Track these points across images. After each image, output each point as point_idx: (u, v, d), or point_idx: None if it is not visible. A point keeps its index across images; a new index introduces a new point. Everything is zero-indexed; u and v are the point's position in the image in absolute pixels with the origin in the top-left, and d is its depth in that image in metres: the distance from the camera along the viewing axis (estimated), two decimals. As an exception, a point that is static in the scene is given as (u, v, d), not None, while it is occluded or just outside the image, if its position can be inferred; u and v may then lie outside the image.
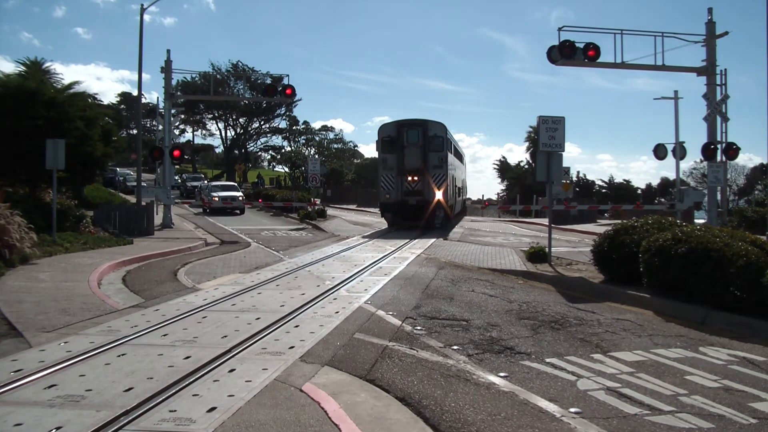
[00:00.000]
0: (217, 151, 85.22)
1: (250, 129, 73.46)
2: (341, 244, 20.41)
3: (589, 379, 6.12)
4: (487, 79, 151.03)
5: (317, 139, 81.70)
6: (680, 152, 24.60)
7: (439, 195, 25.97)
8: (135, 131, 55.55)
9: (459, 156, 36.32)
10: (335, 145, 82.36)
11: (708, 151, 18.70)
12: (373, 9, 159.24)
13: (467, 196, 46.92)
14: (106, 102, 71.29)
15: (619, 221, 14.11)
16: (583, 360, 6.81)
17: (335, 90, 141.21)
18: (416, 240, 21.46)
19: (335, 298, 10.38)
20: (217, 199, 34.87)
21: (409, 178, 26.27)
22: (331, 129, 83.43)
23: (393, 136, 26.67)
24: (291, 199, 35.35)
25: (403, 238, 21.99)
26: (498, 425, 4.91)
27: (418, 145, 26.32)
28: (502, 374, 6.25)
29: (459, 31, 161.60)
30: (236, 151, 73.38)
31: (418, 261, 15.77)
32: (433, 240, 21.36)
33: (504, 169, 69.11)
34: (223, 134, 72.71)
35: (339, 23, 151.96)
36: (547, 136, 14.41)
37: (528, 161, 63.87)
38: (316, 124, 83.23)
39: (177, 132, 68.78)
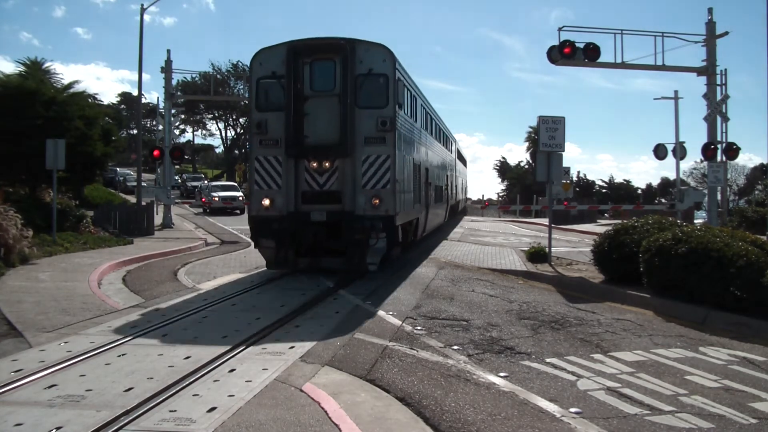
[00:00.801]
0: (217, 151, 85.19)
1: (250, 129, 73.49)
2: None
3: (589, 379, 6.12)
4: (487, 79, 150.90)
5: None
6: (680, 152, 24.65)
7: (377, 201, 12.71)
8: (135, 131, 55.61)
9: (435, 129, 21.85)
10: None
11: (708, 151, 18.70)
12: (373, 8, 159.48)
13: (466, 196, 44.57)
14: (106, 102, 71.43)
15: (619, 221, 14.12)
16: (584, 360, 6.81)
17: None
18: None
19: (335, 298, 10.39)
20: (217, 199, 34.87)
21: (314, 165, 12.98)
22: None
23: (280, 74, 13.03)
24: (291, 199, 35.23)
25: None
26: (498, 425, 4.91)
27: (334, 93, 12.89)
28: (502, 374, 6.24)
29: (459, 31, 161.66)
30: (236, 151, 73.30)
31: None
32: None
33: (504, 169, 69.25)
34: (223, 134, 72.75)
35: (338, 23, 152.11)
36: (547, 136, 14.42)
37: (528, 161, 63.97)
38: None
39: (177, 132, 68.69)
